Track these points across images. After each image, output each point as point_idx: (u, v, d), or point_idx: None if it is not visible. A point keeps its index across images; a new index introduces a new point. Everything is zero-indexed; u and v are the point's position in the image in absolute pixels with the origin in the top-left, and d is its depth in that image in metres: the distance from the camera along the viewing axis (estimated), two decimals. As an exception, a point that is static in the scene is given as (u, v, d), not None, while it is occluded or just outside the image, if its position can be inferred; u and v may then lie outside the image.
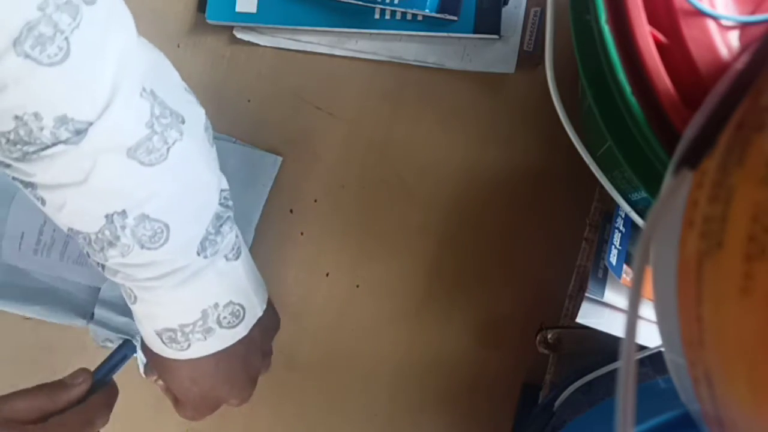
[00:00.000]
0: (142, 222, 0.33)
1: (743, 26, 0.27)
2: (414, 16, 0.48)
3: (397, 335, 0.49)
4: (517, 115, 0.48)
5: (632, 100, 0.27)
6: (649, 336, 0.34)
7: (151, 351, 0.39)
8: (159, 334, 0.37)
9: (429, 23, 0.48)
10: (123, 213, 0.33)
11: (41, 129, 0.30)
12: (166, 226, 0.34)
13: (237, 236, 0.39)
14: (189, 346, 0.37)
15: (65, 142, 0.30)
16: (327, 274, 0.50)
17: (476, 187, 0.49)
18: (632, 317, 0.18)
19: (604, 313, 0.41)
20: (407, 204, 0.49)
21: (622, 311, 0.41)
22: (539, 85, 0.48)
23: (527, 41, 0.48)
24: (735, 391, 0.17)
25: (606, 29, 0.27)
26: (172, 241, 0.34)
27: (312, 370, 0.50)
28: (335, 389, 0.49)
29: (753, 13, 0.27)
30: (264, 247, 0.51)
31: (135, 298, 0.37)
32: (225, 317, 0.38)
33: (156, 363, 0.40)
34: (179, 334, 0.37)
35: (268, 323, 0.43)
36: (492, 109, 0.49)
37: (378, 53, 0.49)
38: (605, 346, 0.43)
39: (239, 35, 0.51)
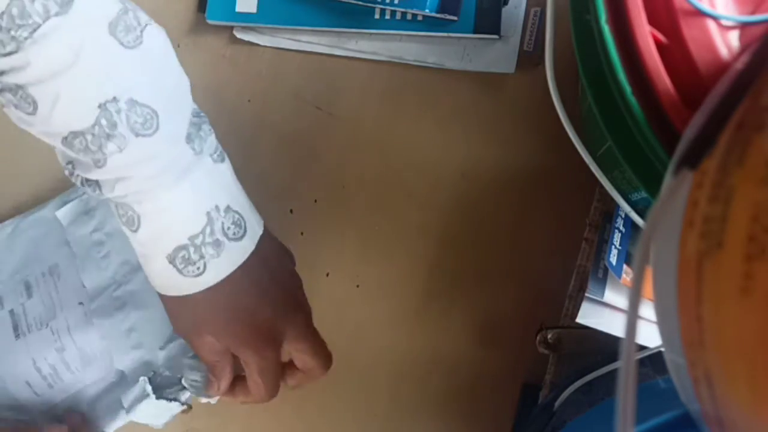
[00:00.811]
0: (132, 107, 0.33)
1: (743, 26, 0.27)
2: (414, 16, 0.48)
3: (397, 335, 0.49)
4: (517, 115, 0.48)
5: (632, 100, 0.27)
6: (649, 336, 0.34)
7: (178, 313, 0.39)
8: (172, 261, 0.36)
9: (429, 23, 0.48)
10: (114, 100, 0.33)
11: (32, 2, 0.31)
12: (155, 112, 0.34)
13: (218, 146, 0.39)
14: (205, 267, 0.37)
15: (56, 14, 0.31)
16: (327, 274, 0.50)
17: (476, 187, 0.49)
18: (632, 317, 0.18)
19: (604, 313, 0.41)
20: (407, 204, 0.49)
21: (622, 311, 0.41)
22: (539, 85, 0.48)
23: (527, 41, 0.48)
24: (735, 391, 0.17)
25: (606, 29, 0.27)
26: (163, 129, 0.34)
27: (312, 370, 0.50)
28: (335, 389, 0.49)
29: (753, 13, 0.27)
30: (264, 247, 0.51)
31: (138, 219, 0.36)
32: (229, 227, 0.37)
33: (186, 321, 0.39)
34: (192, 250, 0.36)
35: (280, 252, 0.42)
36: (492, 109, 0.49)
37: (378, 53, 0.49)
38: (605, 346, 0.43)
39: (239, 35, 0.51)
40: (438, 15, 0.47)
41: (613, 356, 0.42)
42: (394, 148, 0.50)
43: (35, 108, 0.33)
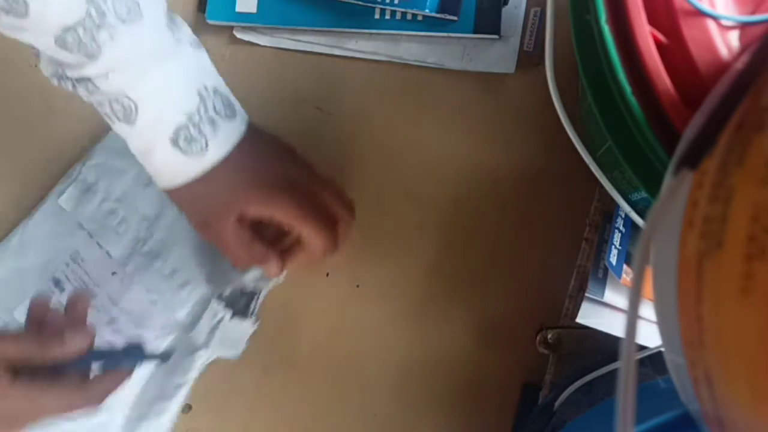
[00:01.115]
0: None
1: (743, 26, 0.27)
2: (414, 16, 0.48)
3: (397, 335, 0.49)
4: (517, 114, 0.48)
5: (632, 100, 0.27)
6: (649, 336, 0.34)
7: (190, 203, 0.41)
8: (176, 143, 0.38)
9: (429, 23, 0.48)
10: None
11: None
12: (135, 1, 0.36)
13: (192, 34, 0.40)
14: (207, 143, 0.38)
15: None
16: (327, 274, 0.50)
17: (476, 187, 0.49)
18: (632, 317, 0.19)
19: (604, 313, 0.41)
20: (407, 204, 0.49)
21: (622, 311, 0.41)
22: (539, 85, 0.48)
23: (527, 41, 0.48)
24: (735, 391, 0.17)
25: (606, 29, 0.27)
26: (145, 16, 0.36)
27: (312, 370, 0.50)
28: (335, 389, 0.49)
29: (753, 13, 0.27)
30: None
31: (135, 107, 0.37)
32: (219, 107, 0.39)
33: (202, 208, 0.41)
34: (191, 128, 0.38)
35: (275, 143, 0.44)
36: (492, 109, 0.49)
37: (378, 53, 0.49)
38: (605, 346, 0.43)
39: (239, 35, 0.51)
40: (438, 15, 0.47)
41: (613, 356, 0.42)
42: (394, 148, 0.50)
43: (27, 8, 0.33)
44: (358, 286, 0.50)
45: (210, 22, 0.51)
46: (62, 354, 0.36)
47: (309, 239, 0.42)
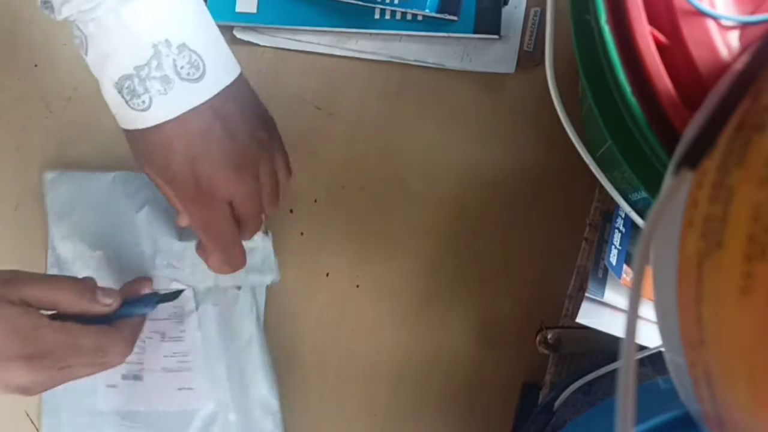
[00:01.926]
0: None
1: (743, 26, 0.27)
2: (414, 16, 0.48)
3: (397, 335, 0.49)
4: (517, 115, 0.48)
5: (632, 100, 0.27)
6: (649, 336, 0.34)
7: (133, 146, 0.38)
8: (120, 90, 0.36)
9: (429, 23, 0.48)
10: None
11: None
12: None
13: None
14: (150, 101, 0.35)
15: None
16: (327, 274, 0.50)
17: (476, 187, 0.49)
18: (632, 317, 0.18)
19: (604, 313, 0.41)
20: (407, 204, 0.49)
21: (622, 311, 0.41)
22: (539, 85, 0.48)
23: (527, 41, 0.48)
24: (735, 391, 0.17)
25: (606, 29, 0.27)
26: None
27: (312, 370, 0.50)
28: (335, 389, 0.49)
29: (753, 13, 0.27)
30: (264, 247, 0.51)
31: (85, 41, 0.35)
32: (182, 66, 0.36)
33: (137, 150, 0.38)
34: (136, 81, 0.35)
35: (247, 108, 0.39)
36: (492, 109, 0.49)
37: (378, 53, 0.49)
38: (605, 346, 0.43)
39: (239, 35, 0.51)
40: (438, 15, 0.47)
41: (613, 356, 0.42)
42: (394, 148, 0.50)
43: None
44: (358, 286, 0.50)
45: (210, 22, 0.51)
46: (90, 308, 0.38)
47: (207, 251, 0.41)
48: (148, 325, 0.45)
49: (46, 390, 0.37)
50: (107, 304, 0.39)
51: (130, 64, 0.35)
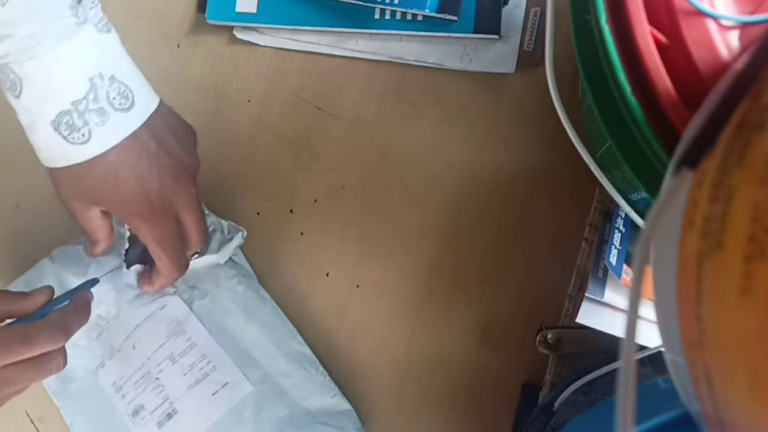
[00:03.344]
0: None
1: (743, 26, 0.27)
2: (414, 16, 0.48)
3: (397, 335, 0.49)
4: (517, 115, 0.48)
5: (632, 100, 0.27)
6: (649, 336, 0.34)
7: (67, 182, 0.39)
8: (57, 128, 0.37)
9: (429, 23, 0.48)
10: None
11: None
12: None
13: (103, 17, 0.39)
14: (90, 134, 0.37)
15: None
16: (327, 274, 0.50)
17: (476, 187, 0.49)
18: (632, 317, 0.18)
19: (604, 313, 0.41)
20: (407, 204, 0.49)
21: (622, 311, 0.41)
22: (539, 85, 0.48)
23: (527, 41, 0.48)
24: (735, 391, 0.17)
25: (606, 29, 0.27)
26: None
27: (312, 370, 0.50)
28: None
29: (753, 13, 0.27)
30: (264, 247, 0.51)
31: (20, 82, 0.36)
32: (114, 97, 0.37)
33: (74, 186, 0.39)
34: (75, 116, 0.36)
35: (177, 128, 0.42)
36: (492, 109, 0.49)
37: (378, 53, 0.49)
38: (605, 346, 0.43)
39: (239, 35, 0.51)
40: (438, 15, 0.47)
41: (613, 356, 0.42)
42: (394, 148, 0.50)
43: None
44: (358, 286, 0.50)
45: (210, 22, 0.51)
46: (29, 305, 0.40)
47: (159, 264, 0.43)
48: (155, 356, 0.46)
49: None
50: (37, 296, 0.40)
51: (68, 100, 0.36)
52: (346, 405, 0.48)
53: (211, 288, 0.48)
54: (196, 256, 0.46)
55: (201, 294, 0.47)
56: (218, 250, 0.47)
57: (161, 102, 0.41)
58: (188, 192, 0.42)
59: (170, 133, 0.41)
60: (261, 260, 0.51)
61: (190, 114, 0.52)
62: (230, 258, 0.49)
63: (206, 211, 0.48)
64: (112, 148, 0.38)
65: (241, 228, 0.48)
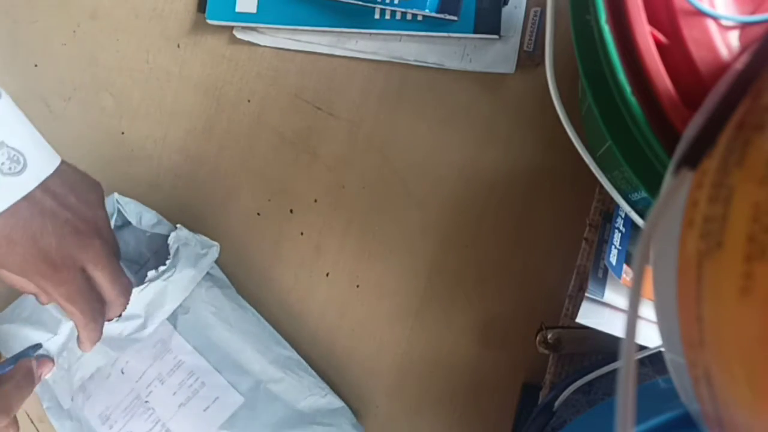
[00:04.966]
0: None
1: (743, 26, 0.27)
2: (414, 16, 0.48)
3: (397, 335, 0.49)
4: (517, 115, 0.48)
5: (632, 100, 0.27)
6: (649, 336, 0.34)
7: None
8: None
9: (429, 23, 0.48)
10: None
11: None
12: None
13: None
14: None
15: None
16: (327, 274, 0.50)
17: (476, 187, 0.49)
18: (632, 317, 0.18)
19: (604, 313, 0.41)
20: (407, 204, 0.49)
21: (622, 311, 0.41)
22: (539, 85, 0.48)
23: (527, 41, 0.48)
24: (735, 391, 0.17)
25: (606, 29, 0.27)
26: None
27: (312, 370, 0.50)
28: (335, 389, 0.49)
29: (753, 13, 0.27)
30: (264, 247, 0.51)
31: None
32: (3, 162, 0.37)
33: None
34: None
35: (78, 185, 0.42)
36: (492, 109, 0.49)
37: (378, 53, 0.49)
38: (605, 346, 0.43)
39: (239, 35, 0.51)
40: (438, 15, 0.47)
41: (613, 356, 0.42)
42: (394, 148, 0.50)
43: None
44: (358, 286, 0.50)
45: (210, 22, 0.51)
46: None
47: (73, 320, 0.42)
48: (143, 379, 0.45)
49: None
50: None
51: None
52: (338, 402, 0.48)
53: (192, 303, 0.47)
54: (116, 319, 0.44)
55: (183, 310, 0.47)
56: (195, 264, 0.47)
57: (63, 162, 0.41)
58: (92, 246, 0.41)
59: (70, 190, 0.41)
60: (261, 260, 0.51)
61: (190, 114, 0.52)
62: (207, 272, 0.48)
63: (179, 226, 0.47)
64: (2, 213, 0.37)
65: (215, 243, 0.48)
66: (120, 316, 0.43)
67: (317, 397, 0.47)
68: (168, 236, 0.47)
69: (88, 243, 0.41)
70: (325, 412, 0.47)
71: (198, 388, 0.46)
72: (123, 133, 0.53)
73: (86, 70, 0.53)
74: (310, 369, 0.48)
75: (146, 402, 0.46)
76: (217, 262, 0.49)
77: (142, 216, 0.49)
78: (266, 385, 0.46)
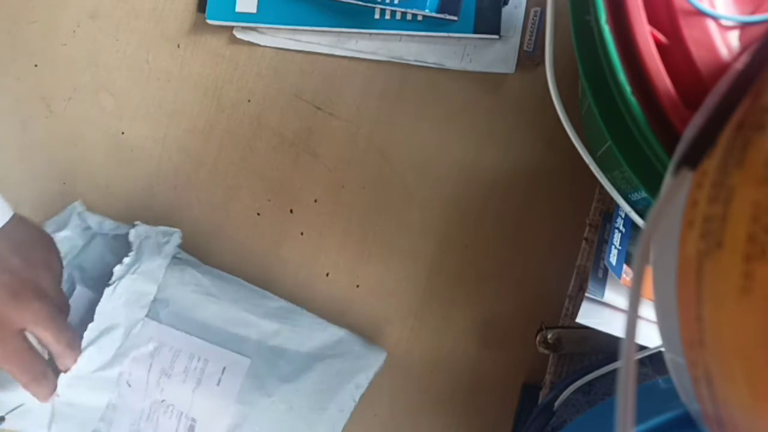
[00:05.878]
0: None
1: (743, 26, 0.27)
2: (414, 16, 0.48)
3: (397, 335, 0.49)
4: (517, 115, 0.48)
5: (632, 100, 0.27)
6: (649, 336, 0.34)
7: None
8: None
9: (429, 23, 0.48)
10: None
11: None
12: None
13: None
14: None
15: None
16: (327, 274, 0.50)
17: (476, 187, 0.49)
18: (632, 317, 0.18)
19: (604, 313, 0.41)
20: (407, 204, 0.49)
21: (622, 311, 0.41)
22: (539, 85, 0.48)
23: (527, 41, 0.48)
24: (735, 391, 0.17)
25: (606, 29, 0.27)
26: None
27: (312, 370, 0.50)
28: (335, 389, 0.49)
29: (753, 13, 0.27)
30: (264, 247, 0.51)
31: None
32: None
33: None
34: None
35: (25, 242, 0.41)
36: (492, 109, 0.49)
37: (378, 53, 0.49)
38: (605, 346, 0.43)
39: (239, 35, 0.51)
40: (438, 15, 0.47)
41: (613, 356, 0.42)
42: (394, 148, 0.50)
43: None
44: (358, 286, 0.50)
45: (210, 22, 0.51)
46: None
47: (17, 380, 0.41)
48: (150, 380, 0.45)
49: None
50: None
51: None
52: (340, 332, 0.48)
53: (171, 293, 0.47)
54: (68, 372, 0.43)
55: (163, 304, 0.47)
56: (160, 252, 0.47)
57: (14, 216, 0.41)
58: (30, 307, 0.40)
59: (13, 251, 0.40)
60: (260, 260, 0.51)
61: (190, 114, 0.52)
62: (174, 257, 0.48)
63: (137, 223, 0.48)
64: None
65: (176, 229, 0.49)
66: (73, 366, 0.42)
67: (318, 333, 0.47)
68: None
69: (25, 305, 0.40)
70: (330, 344, 0.47)
71: (203, 367, 0.46)
72: (123, 133, 0.53)
73: (86, 70, 0.53)
74: (301, 309, 0.48)
75: (163, 401, 0.46)
76: (180, 246, 0.49)
77: (102, 223, 0.49)
78: (267, 342, 0.46)
